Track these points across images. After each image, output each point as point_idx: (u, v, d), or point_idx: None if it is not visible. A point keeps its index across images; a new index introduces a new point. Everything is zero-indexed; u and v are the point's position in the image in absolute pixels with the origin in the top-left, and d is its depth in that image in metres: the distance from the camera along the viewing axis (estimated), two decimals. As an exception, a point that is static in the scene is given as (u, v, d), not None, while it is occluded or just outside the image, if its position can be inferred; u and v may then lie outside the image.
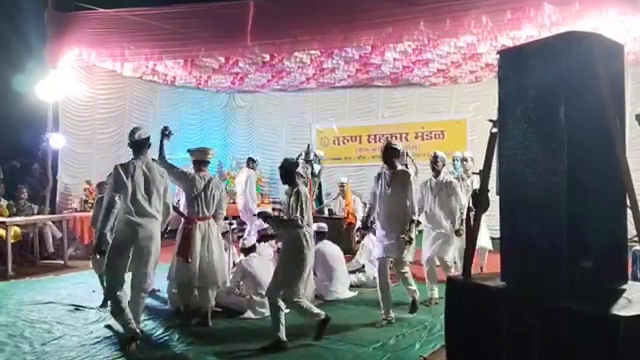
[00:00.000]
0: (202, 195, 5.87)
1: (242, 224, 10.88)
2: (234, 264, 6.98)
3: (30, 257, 9.92)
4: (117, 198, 4.80)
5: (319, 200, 11.18)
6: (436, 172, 6.97)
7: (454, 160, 8.30)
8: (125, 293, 5.04)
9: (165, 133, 5.98)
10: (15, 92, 11.22)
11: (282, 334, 5.02)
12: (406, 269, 5.99)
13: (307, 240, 5.10)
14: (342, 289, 7.09)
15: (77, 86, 11.30)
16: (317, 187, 11.14)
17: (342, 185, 10.80)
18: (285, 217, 5.19)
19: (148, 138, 5.09)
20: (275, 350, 4.94)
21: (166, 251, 5.92)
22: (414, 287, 6.05)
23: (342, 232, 9.61)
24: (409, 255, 5.91)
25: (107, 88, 12.09)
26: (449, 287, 3.68)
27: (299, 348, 5.00)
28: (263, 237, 6.57)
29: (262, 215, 5.45)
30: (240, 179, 11.17)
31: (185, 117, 14.20)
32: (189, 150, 6.26)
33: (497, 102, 3.47)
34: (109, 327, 5.65)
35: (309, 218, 5.16)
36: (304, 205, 5.05)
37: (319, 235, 7.35)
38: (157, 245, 5.09)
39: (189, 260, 5.69)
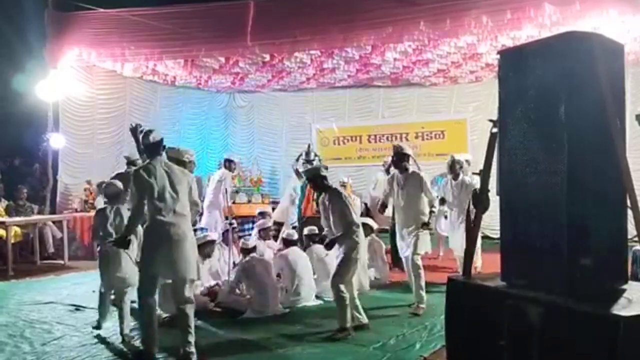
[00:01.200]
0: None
1: (242, 224, 10.85)
2: (234, 264, 6.99)
3: (30, 257, 9.92)
4: (142, 204, 4.67)
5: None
6: (455, 175, 7.57)
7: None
8: (156, 301, 4.87)
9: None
10: (16, 92, 11.25)
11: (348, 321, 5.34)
12: (419, 264, 6.20)
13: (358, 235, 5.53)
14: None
15: (77, 86, 11.31)
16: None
17: (343, 185, 10.77)
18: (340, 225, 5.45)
19: (162, 139, 4.99)
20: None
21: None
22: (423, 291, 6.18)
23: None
24: (421, 249, 6.23)
25: (107, 88, 12.09)
26: (449, 287, 3.68)
27: (298, 348, 5.00)
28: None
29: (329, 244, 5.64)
30: (213, 178, 11.03)
31: (185, 117, 14.20)
32: (166, 148, 6.22)
33: (498, 102, 3.47)
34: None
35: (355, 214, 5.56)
36: (349, 204, 5.47)
37: (312, 238, 7.36)
38: (193, 245, 4.85)
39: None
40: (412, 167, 6.45)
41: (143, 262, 4.75)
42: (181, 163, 5.84)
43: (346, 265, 5.45)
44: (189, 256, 4.71)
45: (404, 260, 6.50)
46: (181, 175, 4.84)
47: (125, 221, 5.20)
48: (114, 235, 5.25)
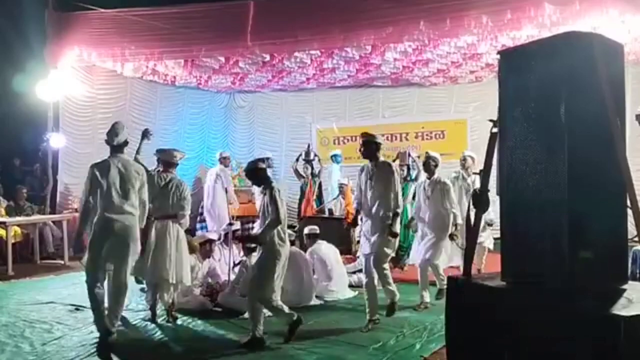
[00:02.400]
0: (160, 194, 6.00)
1: (245, 223, 10.87)
2: (235, 264, 6.99)
3: (30, 257, 9.92)
4: (91, 198, 5.03)
5: (319, 200, 11.17)
6: (430, 173, 6.90)
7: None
8: (103, 290, 5.15)
9: (145, 134, 6.39)
10: (16, 92, 11.23)
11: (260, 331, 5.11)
12: (386, 266, 5.80)
13: (281, 238, 5.23)
14: (341, 289, 7.09)
15: (78, 86, 11.29)
16: (317, 187, 11.13)
17: (341, 186, 10.78)
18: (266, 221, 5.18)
19: (126, 140, 5.25)
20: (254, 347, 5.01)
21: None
22: (393, 287, 5.84)
23: (342, 233, 9.58)
24: (388, 252, 5.77)
25: (108, 88, 12.07)
26: (449, 286, 3.69)
27: (298, 349, 5.00)
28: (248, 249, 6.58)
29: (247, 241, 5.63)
30: (210, 175, 11.06)
31: (185, 117, 14.19)
32: (157, 150, 6.48)
33: (498, 102, 3.47)
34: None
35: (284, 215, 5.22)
36: (279, 203, 5.13)
37: (312, 237, 7.38)
38: (135, 241, 5.15)
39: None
40: (382, 157, 5.98)
41: (89, 254, 5.09)
42: (172, 165, 6.19)
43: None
44: (129, 249, 5.08)
45: (362, 260, 6.09)
46: (135, 176, 5.13)
47: None
48: None
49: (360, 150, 5.99)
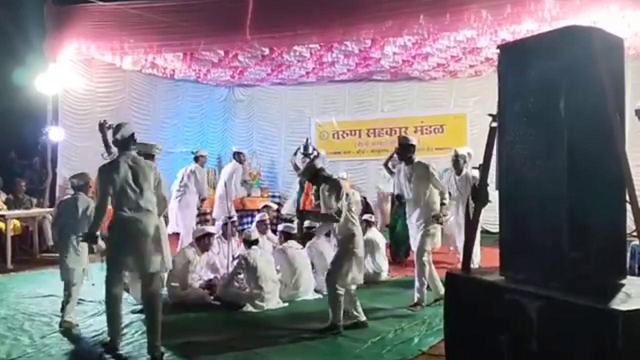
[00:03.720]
0: None
1: (244, 217, 10.88)
2: (234, 257, 7.00)
3: (29, 251, 9.92)
4: (105, 200, 4.78)
5: (317, 194, 11.16)
6: (458, 170, 7.68)
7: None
8: (122, 292, 4.95)
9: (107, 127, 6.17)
10: (15, 86, 11.20)
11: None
12: (426, 257, 6.07)
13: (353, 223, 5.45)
14: (341, 283, 7.10)
15: (77, 79, 11.27)
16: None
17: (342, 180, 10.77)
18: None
19: (132, 135, 5.04)
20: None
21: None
22: (426, 283, 6.08)
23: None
24: (429, 244, 6.11)
25: (107, 81, 12.06)
26: (448, 281, 3.69)
27: (298, 342, 5.01)
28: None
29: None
30: (225, 170, 11.08)
31: (184, 110, 14.18)
32: (137, 143, 6.27)
33: (497, 96, 3.46)
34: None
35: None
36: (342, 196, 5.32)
37: (310, 233, 7.39)
38: (158, 239, 4.81)
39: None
40: (417, 158, 6.39)
41: (109, 257, 4.85)
42: (150, 157, 6.06)
43: (340, 259, 5.41)
44: (151, 250, 4.71)
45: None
46: (148, 170, 4.86)
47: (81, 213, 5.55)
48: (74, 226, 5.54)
49: (397, 152, 6.55)
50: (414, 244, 6.33)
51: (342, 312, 5.29)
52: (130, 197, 4.71)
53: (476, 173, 5.15)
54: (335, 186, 5.37)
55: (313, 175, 5.69)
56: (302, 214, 6.30)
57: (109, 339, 4.87)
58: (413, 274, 6.27)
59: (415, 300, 6.09)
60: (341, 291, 5.30)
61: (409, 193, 6.23)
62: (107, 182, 4.73)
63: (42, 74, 10.49)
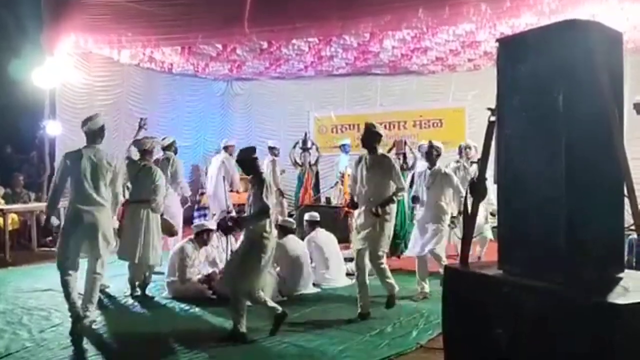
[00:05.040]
0: (135, 180, 6.51)
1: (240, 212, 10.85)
2: (232, 252, 7.01)
3: (27, 245, 9.92)
4: (60, 186, 5.13)
5: (316, 188, 11.17)
6: (431, 163, 6.73)
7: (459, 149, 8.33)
8: (75, 277, 5.14)
9: (141, 125, 7.09)
10: (12, 80, 11.17)
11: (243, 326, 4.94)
12: (382, 261, 5.70)
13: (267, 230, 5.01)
14: (338, 277, 7.12)
15: (74, 73, 11.23)
16: (315, 176, 11.13)
17: (342, 175, 10.77)
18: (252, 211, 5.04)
19: (102, 127, 5.31)
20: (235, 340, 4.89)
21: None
22: (391, 280, 5.75)
23: (339, 221, 9.60)
24: (384, 246, 5.68)
25: (105, 75, 12.02)
26: (446, 275, 3.70)
27: (294, 336, 5.01)
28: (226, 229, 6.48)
29: (227, 224, 5.46)
30: (214, 163, 11.01)
31: (182, 105, 14.16)
32: (133, 142, 6.92)
33: (496, 90, 3.46)
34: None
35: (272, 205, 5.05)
36: (267, 192, 4.92)
37: (312, 224, 7.40)
38: (105, 231, 5.13)
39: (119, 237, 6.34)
40: (381, 150, 5.93)
41: (60, 242, 5.14)
42: (145, 152, 6.62)
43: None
44: (100, 239, 5.08)
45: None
46: (107, 167, 5.16)
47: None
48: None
49: (361, 139, 5.89)
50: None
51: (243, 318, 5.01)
52: (86, 191, 5.03)
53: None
54: (261, 184, 4.99)
55: (246, 163, 5.24)
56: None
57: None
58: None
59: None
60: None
61: (365, 186, 5.68)
62: (64, 172, 5.09)
63: (39, 68, 10.46)
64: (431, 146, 6.75)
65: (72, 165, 5.05)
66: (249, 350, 4.70)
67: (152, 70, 12.68)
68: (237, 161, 5.49)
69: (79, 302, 5.07)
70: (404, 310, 5.76)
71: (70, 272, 5.08)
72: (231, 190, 9.92)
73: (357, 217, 5.81)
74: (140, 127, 7.04)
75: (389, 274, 5.75)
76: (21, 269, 8.31)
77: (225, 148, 10.81)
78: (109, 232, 5.21)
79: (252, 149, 5.32)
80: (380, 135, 5.82)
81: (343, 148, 11.55)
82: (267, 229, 4.97)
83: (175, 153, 8.58)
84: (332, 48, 11.02)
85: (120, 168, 5.50)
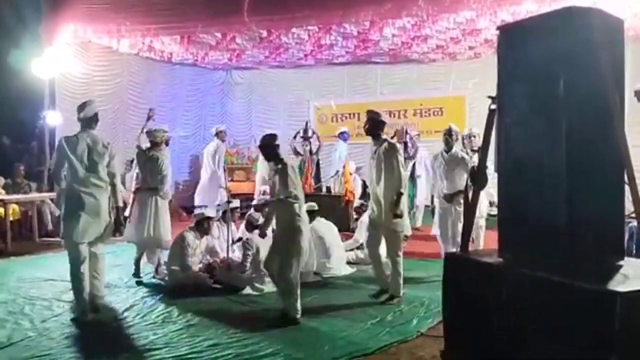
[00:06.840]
0: (143, 169, 6.80)
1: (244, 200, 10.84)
2: (234, 241, 7.02)
3: (29, 235, 9.92)
4: (59, 168, 5.21)
5: (317, 178, 11.18)
6: (449, 147, 7.02)
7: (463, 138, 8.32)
8: (87, 271, 5.20)
9: (149, 115, 7.27)
10: (11, 70, 11.13)
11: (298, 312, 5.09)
12: (400, 253, 5.71)
13: (299, 214, 5.09)
14: (338, 266, 7.12)
15: (74, 63, 11.20)
16: (315, 165, 11.14)
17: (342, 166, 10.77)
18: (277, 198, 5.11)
19: (96, 114, 5.45)
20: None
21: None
22: (399, 281, 5.72)
23: (340, 210, 9.61)
24: (400, 236, 5.71)
25: (104, 65, 11.99)
26: (446, 263, 3.70)
27: (296, 323, 5.02)
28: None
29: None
30: (208, 150, 10.97)
31: (182, 94, 14.14)
32: (146, 132, 7.06)
33: (497, 78, 3.45)
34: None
35: (300, 192, 5.13)
36: (294, 180, 5.02)
37: (310, 214, 7.38)
38: (105, 213, 5.28)
39: (129, 221, 6.73)
40: (387, 137, 5.94)
41: (65, 230, 5.20)
42: (155, 144, 6.86)
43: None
44: (102, 220, 5.24)
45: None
46: (103, 150, 5.31)
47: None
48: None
49: (365, 127, 5.90)
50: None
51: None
52: (83, 173, 5.16)
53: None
54: (284, 170, 5.05)
55: (268, 149, 5.31)
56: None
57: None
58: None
59: None
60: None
61: (374, 175, 5.68)
62: (62, 157, 5.18)
63: (38, 58, 10.42)
64: (451, 130, 7.06)
65: (70, 149, 5.17)
66: (248, 337, 4.70)
67: (152, 59, 12.65)
68: (259, 147, 5.52)
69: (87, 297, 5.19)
70: (404, 299, 5.76)
71: (84, 264, 5.15)
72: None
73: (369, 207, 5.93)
74: (149, 118, 7.29)
75: (401, 270, 5.74)
76: (23, 259, 8.32)
77: (217, 134, 10.78)
78: (106, 214, 5.33)
79: (274, 136, 5.38)
80: (385, 123, 5.88)
81: (341, 136, 11.55)
82: (298, 212, 5.08)
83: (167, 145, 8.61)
84: (332, 36, 10.98)
85: (117, 151, 5.63)
